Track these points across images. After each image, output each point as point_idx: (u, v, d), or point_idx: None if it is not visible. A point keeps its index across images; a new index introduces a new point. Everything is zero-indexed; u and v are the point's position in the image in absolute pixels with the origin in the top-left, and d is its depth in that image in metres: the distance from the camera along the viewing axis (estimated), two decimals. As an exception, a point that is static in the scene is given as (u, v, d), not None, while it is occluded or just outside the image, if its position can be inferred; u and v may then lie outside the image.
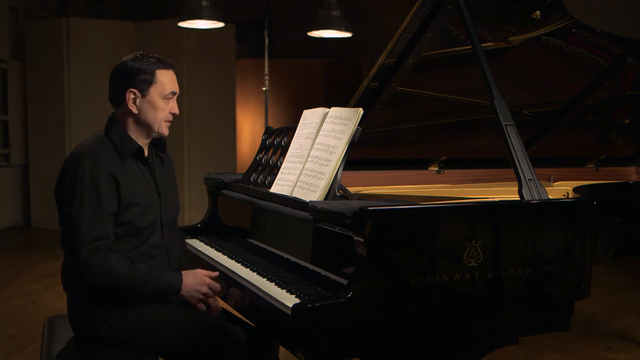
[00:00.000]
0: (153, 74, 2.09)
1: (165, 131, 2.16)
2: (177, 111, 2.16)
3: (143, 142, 2.15)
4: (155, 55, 2.14)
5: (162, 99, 2.11)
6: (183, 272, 2.09)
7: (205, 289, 2.08)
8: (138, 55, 2.13)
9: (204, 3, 5.13)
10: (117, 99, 2.12)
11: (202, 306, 2.09)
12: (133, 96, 2.09)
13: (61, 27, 7.36)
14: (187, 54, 7.32)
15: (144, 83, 2.08)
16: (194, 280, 2.07)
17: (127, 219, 2.04)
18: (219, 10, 5.24)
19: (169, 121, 2.16)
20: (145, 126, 2.13)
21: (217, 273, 2.18)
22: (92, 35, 7.43)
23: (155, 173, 2.19)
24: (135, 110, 2.10)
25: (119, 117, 2.14)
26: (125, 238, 2.06)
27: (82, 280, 1.97)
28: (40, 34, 7.62)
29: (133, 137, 2.12)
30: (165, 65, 2.13)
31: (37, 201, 7.76)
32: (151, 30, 7.49)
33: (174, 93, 2.14)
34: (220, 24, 5.34)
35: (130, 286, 1.99)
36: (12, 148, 7.72)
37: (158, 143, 2.23)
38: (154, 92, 2.10)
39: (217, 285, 2.12)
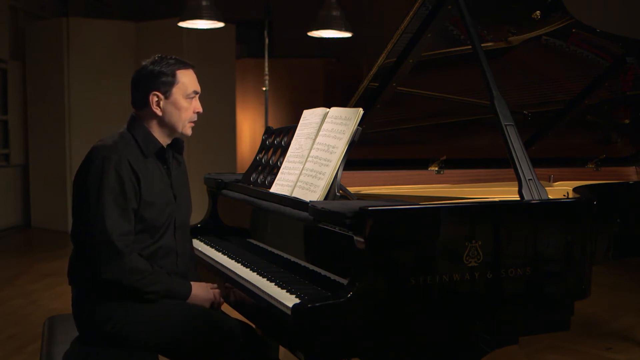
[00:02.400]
0: (174, 75, 2.12)
1: (189, 131, 2.19)
2: (200, 110, 2.19)
3: (164, 142, 2.18)
4: (174, 57, 2.17)
5: (185, 98, 2.14)
6: (193, 283, 2.14)
7: (209, 305, 2.15)
8: (157, 58, 2.15)
9: (204, 3, 5.13)
10: (140, 102, 2.15)
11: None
12: (156, 99, 2.12)
13: (61, 27, 7.36)
14: (187, 54, 7.31)
15: (166, 85, 2.11)
16: (204, 295, 2.14)
17: (144, 217, 2.06)
18: (219, 10, 5.24)
19: (193, 121, 2.19)
20: (169, 127, 2.16)
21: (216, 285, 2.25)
22: (92, 35, 7.43)
23: (172, 174, 2.21)
24: (159, 113, 2.13)
25: (142, 117, 2.16)
26: (140, 236, 2.07)
27: (97, 275, 1.97)
28: (40, 34, 7.61)
29: (156, 137, 2.15)
30: (185, 66, 2.16)
31: (37, 201, 7.76)
32: (151, 30, 7.48)
33: (196, 92, 2.17)
34: (220, 24, 5.34)
35: (145, 289, 2.02)
36: (12, 148, 7.72)
37: (176, 144, 2.25)
38: (177, 93, 2.12)
39: (221, 302, 2.20)
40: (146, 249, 2.09)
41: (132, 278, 1.99)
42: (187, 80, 2.14)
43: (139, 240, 2.07)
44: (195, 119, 2.19)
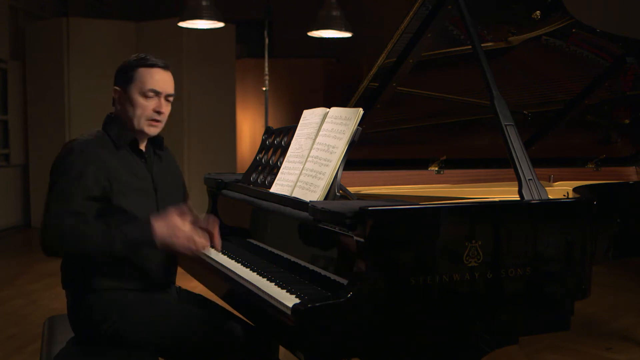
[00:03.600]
0: (134, 71, 2.13)
1: (147, 129, 2.15)
2: (161, 110, 2.15)
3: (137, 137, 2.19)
4: (147, 55, 2.17)
5: (140, 96, 2.13)
6: (156, 224, 1.96)
7: (188, 247, 1.99)
8: (134, 55, 2.17)
9: (204, 3, 5.13)
10: (112, 98, 2.20)
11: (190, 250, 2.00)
12: (117, 94, 2.16)
13: (61, 27, 7.36)
14: (187, 54, 7.32)
15: (126, 81, 2.14)
16: (168, 231, 1.96)
17: (120, 206, 2.05)
18: (219, 10, 5.24)
19: (154, 120, 2.15)
20: (128, 123, 2.15)
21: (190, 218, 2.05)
22: (92, 35, 7.44)
23: (152, 168, 2.22)
24: (118, 107, 2.16)
25: (114, 113, 2.21)
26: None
27: (49, 253, 1.96)
28: (40, 34, 7.61)
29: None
30: (150, 63, 2.15)
31: (37, 201, 7.75)
32: (151, 30, 7.49)
33: (155, 91, 2.14)
34: (220, 24, 5.35)
35: (102, 248, 1.93)
36: (12, 148, 7.72)
37: (155, 141, 2.26)
38: (134, 89, 2.13)
39: (203, 242, 2.02)
40: None
41: (83, 241, 1.93)
42: (146, 78, 2.13)
43: None
44: (157, 117, 2.15)
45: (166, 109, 2.18)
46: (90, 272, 2.07)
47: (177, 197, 2.31)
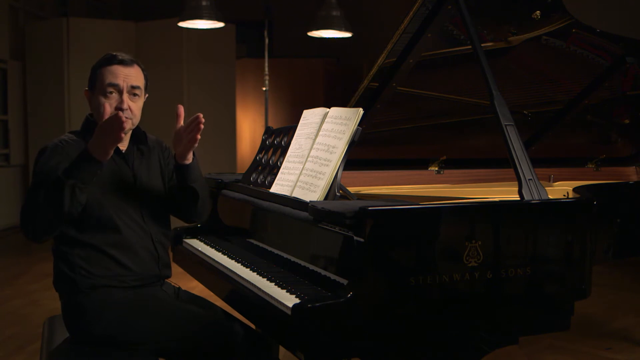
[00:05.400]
0: (96, 73, 2.15)
1: None
2: (122, 106, 2.10)
3: None
4: (109, 54, 2.17)
5: (102, 95, 2.12)
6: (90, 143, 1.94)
7: (106, 123, 1.91)
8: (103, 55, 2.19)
9: (204, 3, 5.13)
10: None
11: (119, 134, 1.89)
12: (87, 96, 2.19)
13: (61, 27, 7.37)
14: (187, 54, 7.31)
15: (91, 83, 2.17)
16: (95, 138, 1.93)
17: (94, 197, 2.06)
18: (219, 10, 5.24)
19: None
20: (99, 121, 2.11)
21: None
22: (92, 35, 7.44)
23: (133, 163, 2.23)
24: (90, 108, 2.19)
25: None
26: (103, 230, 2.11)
27: (27, 232, 2.01)
28: (40, 34, 7.62)
29: None
30: (109, 62, 2.14)
31: (37, 201, 7.75)
32: (151, 30, 7.49)
33: (113, 85, 2.11)
34: (220, 24, 5.34)
35: (50, 191, 1.92)
36: (12, 148, 7.73)
37: (136, 137, 2.27)
38: (97, 91, 2.14)
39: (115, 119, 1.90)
40: (114, 239, 2.11)
41: (34, 200, 1.94)
42: (105, 76, 2.12)
43: (105, 236, 2.10)
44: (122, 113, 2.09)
45: (132, 103, 2.14)
46: (77, 272, 2.08)
47: (160, 187, 2.31)
